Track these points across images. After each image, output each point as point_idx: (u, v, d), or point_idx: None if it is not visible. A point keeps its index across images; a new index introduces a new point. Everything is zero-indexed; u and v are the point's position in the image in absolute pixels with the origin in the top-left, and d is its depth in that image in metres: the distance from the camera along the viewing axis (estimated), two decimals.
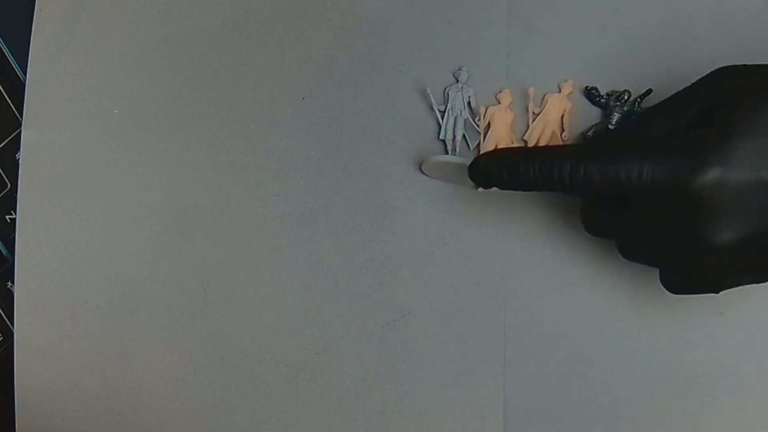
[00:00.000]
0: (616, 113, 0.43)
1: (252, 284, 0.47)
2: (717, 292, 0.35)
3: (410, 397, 0.45)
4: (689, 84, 0.36)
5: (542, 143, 0.44)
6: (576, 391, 0.43)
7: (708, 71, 0.35)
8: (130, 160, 0.48)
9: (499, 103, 0.45)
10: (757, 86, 0.32)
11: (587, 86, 0.44)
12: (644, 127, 0.36)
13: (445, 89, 0.45)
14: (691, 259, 0.33)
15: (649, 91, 0.42)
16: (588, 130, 0.43)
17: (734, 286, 0.35)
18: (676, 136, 0.34)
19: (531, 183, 0.35)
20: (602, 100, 0.43)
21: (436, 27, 0.46)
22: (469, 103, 0.45)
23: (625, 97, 0.43)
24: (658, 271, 0.36)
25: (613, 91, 0.43)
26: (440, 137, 0.45)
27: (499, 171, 0.36)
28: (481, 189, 0.45)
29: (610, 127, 0.43)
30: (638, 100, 0.42)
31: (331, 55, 0.47)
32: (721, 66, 0.35)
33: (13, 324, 0.49)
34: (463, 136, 0.45)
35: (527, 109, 0.44)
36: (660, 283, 0.36)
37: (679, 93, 0.36)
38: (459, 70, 0.45)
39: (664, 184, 0.32)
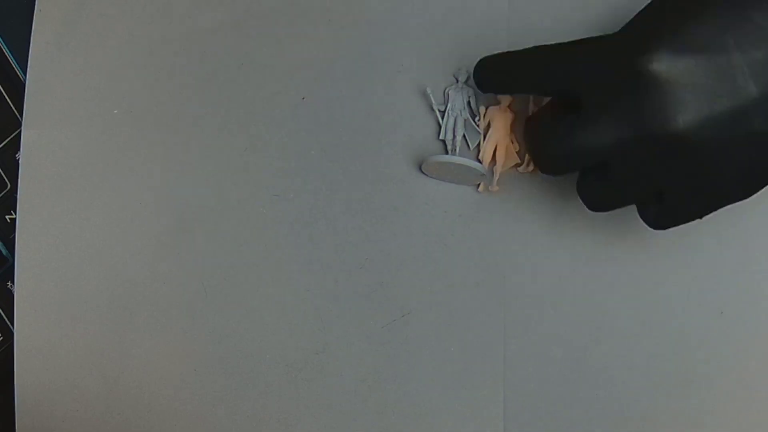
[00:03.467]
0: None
1: (252, 284, 0.47)
2: (701, 216, 0.33)
3: (410, 397, 0.45)
4: None
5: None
6: (576, 391, 0.43)
7: None
8: (130, 160, 0.48)
9: (499, 103, 0.45)
10: None
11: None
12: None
13: (445, 89, 0.45)
14: (659, 173, 0.31)
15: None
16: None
17: (716, 202, 0.32)
18: (628, 23, 0.32)
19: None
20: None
21: (436, 27, 0.46)
22: (469, 103, 0.45)
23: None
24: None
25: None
26: (440, 137, 0.45)
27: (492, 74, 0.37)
28: (481, 189, 0.45)
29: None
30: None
31: (331, 56, 0.47)
32: None
33: (13, 324, 0.49)
34: (463, 136, 0.45)
35: (527, 109, 0.44)
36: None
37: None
38: (459, 70, 0.45)
39: (613, 74, 0.30)
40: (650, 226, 0.35)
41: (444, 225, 0.45)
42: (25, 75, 0.50)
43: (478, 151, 0.44)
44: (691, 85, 0.29)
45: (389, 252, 0.46)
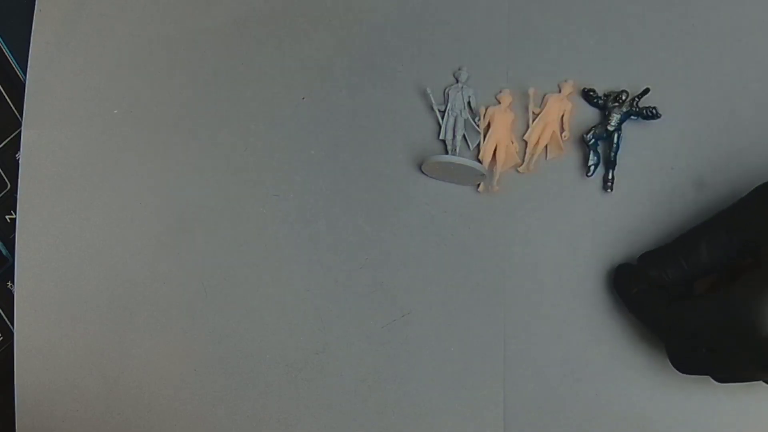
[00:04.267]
0: (614, 114, 0.43)
1: (252, 284, 0.47)
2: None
3: (410, 397, 0.45)
4: (730, 204, 0.38)
5: (542, 143, 0.44)
6: (575, 391, 0.43)
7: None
8: (130, 160, 0.48)
9: (499, 103, 0.45)
10: None
11: (584, 88, 0.44)
12: (693, 252, 0.39)
13: (445, 89, 0.45)
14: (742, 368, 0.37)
15: (646, 91, 0.42)
16: (587, 133, 0.43)
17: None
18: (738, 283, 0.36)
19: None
20: (600, 102, 0.43)
21: (436, 27, 0.46)
22: (469, 103, 0.45)
23: (623, 98, 0.43)
24: None
25: (611, 92, 0.43)
26: (440, 137, 0.45)
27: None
28: (481, 189, 0.45)
29: (609, 128, 0.43)
30: (636, 99, 0.42)
31: (331, 56, 0.47)
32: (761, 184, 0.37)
33: (12, 324, 0.49)
34: (463, 136, 0.45)
35: (527, 109, 0.44)
36: None
37: (722, 216, 0.38)
38: (459, 70, 0.45)
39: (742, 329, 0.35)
40: (675, 367, 0.39)
41: (444, 225, 0.45)
42: (25, 75, 0.50)
43: (478, 151, 0.44)
44: None
45: (389, 252, 0.46)
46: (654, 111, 0.42)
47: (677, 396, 0.43)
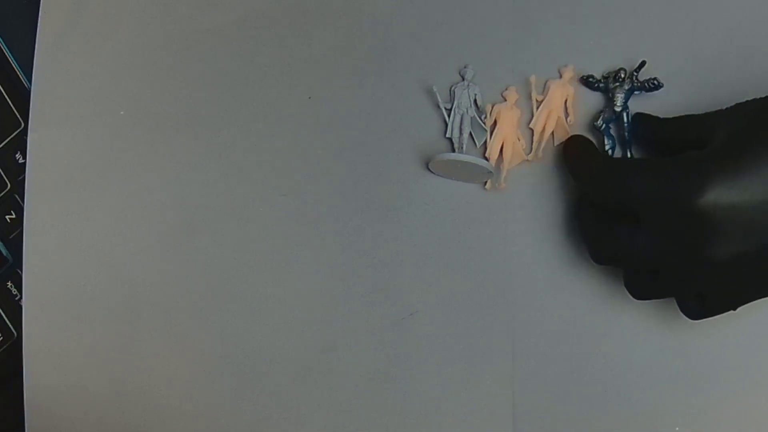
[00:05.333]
0: (618, 94, 0.43)
1: (258, 284, 0.47)
2: (734, 309, 0.37)
3: (418, 395, 0.45)
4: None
5: (548, 130, 0.44)
6: (584, 388, 0.44)
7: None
8: (136, 160, 0.48)
9: (505, 100, 0.45)
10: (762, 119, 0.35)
11: (583, 76, 0.44)
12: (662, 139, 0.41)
13: (451, 87, 0.45)
14: (702, 281, 0.36)
15: (642, 63, 0.43)
16: (597, 119, 0.43)
17: (748, 301, 0.37)
18: (682, 156, 0.37)
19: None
20: (601, 85, 0.44)
21: (442, 25, 0.46)
22: (475, 100, 0.45)
23: (622, 75, 0.43)
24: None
25: (609, 73, 0.43)
26: (447, 135, 0.45)
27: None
28: (488, 186, 0.45)
29: (617, 109, 0.43)
30: (634, 74, 0.43)
31: (336, 55, 0.47)
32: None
33: (12, 324, 0.49)
34: (470, 134, 0.45)
35: (530, 97, 0.44)
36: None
37: (703, 115, 0.39)
38: (465, 67, 0.45)
39: (670, 201, 0.35)
40: (689, 317, 0.38)
41: (451, 223, 0.45)
42: (26, 76, 0.49)
43: (485, 149, 0.44)
44: (734, 222, 0.34)
45: (396, 250, 0.46)
46: (656, 82, 0.43)
47: (684, 392, 0.43)
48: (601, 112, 0.43)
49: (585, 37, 0.45)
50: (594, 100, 0.44)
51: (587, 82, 0.44)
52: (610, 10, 0.45)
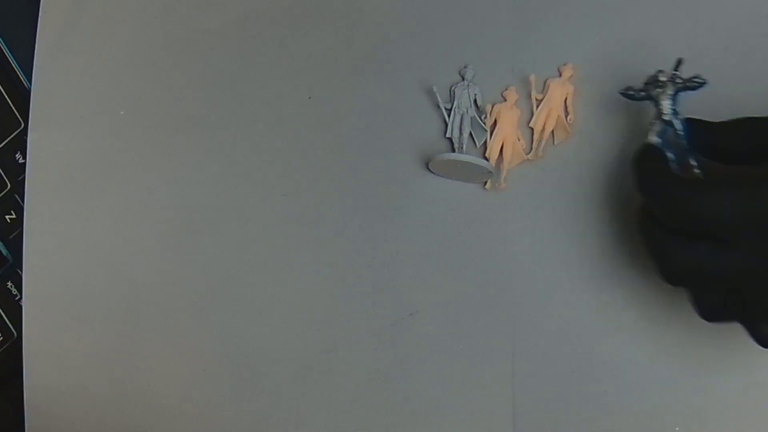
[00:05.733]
0: (663, 101, 0.38)
1: (259, 284, 0.47)
2: None
3: (419, 395, 0.45)
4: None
5: (548, 129, 0.44)
6: (584, 388, 0.44)
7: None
8: (136, 160, 0.48)
9: (505, 100, 0.45)
10: None
11: (620, 91, 0.40)
12: (731, 132, 0.36)
13: (451, 87, 0.45)
14: None
15: (680, 61, 0.38)
16: (651, 135, 0.38)
17: None
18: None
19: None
20: (643, 94, 0.40)
21: (442, 25, 0.46)
22: (475, 100, 0.45)
23: (663, 79, 0.38)
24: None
25: (648, 80, 0.39)
26: (447, 135, 0.45)
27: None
28: (488, 186, 0.45)
29: (665, 118, 0.38)
30: (675, 74, 0.39)
31: (336, 55, 0.47)
32: None
33: (12, 324, 0.49)
34: (470, 134, 0.45)
35: (530, 96, 0.44)
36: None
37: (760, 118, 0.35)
38: (465, 67, 0.45)
39: (765, 222, 0.32)
40: (762, 345, 0.36)
41: (451, 223, 0.45)
42: (26, 76, 0.49)
43: (485, 149, 0.44)
44: None
45: (396, 250, 0.46)
46: (699, 79, 0.38)
47: (685, 393, 0.43)
48: (651, 125, 0.38)
49: (585, 37, 0.45)
50: (592, 94, 0.44)
51: (627, 95, 0.40)
52: (610, 9, 0.45)
